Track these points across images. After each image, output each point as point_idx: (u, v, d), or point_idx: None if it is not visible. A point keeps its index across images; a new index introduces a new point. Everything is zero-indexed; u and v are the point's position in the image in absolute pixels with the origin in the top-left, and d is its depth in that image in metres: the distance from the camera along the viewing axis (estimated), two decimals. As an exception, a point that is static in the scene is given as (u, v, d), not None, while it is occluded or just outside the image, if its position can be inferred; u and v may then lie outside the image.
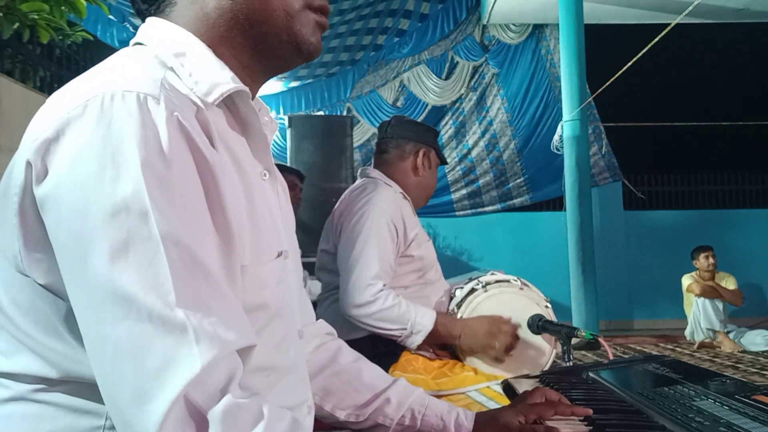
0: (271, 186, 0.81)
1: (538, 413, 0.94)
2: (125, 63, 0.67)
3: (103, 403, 0.60)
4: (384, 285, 1.65)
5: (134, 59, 0.68)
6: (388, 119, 2.00)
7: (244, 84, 0.73)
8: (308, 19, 0.76)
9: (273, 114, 7.78)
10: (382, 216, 1.72)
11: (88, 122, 0.58)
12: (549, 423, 0.91)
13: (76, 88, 0.62)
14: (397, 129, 1.93)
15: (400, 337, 1.65)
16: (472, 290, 1.79)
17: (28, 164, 0.59)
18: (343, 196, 1.90)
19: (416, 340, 1.65)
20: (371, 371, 1.03)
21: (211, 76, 0.69)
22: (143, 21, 0.77)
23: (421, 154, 1.90)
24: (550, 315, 1.72)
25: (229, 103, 0.74)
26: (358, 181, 1.92)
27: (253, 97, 0.80)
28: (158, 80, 0.63)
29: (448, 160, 8.28)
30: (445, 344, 1.79)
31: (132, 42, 0.75)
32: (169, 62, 0.69)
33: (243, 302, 0.65)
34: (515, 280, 1.80)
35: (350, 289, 1.64)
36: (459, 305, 1.78)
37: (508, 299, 1.75)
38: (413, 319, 1.64)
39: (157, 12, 0.75)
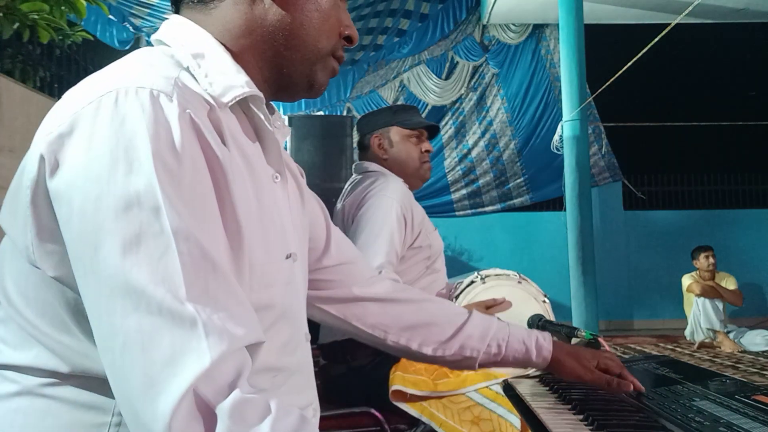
0: (282, 189, 0.81)
1: (605, 364, 1.06)
2: (140, 61, 0.68)
3: (111, 398, 0.61)
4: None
5: (149, 58, 0.69)
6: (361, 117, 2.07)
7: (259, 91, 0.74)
8: (329, 65, 0.82)
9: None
10: (393, 205, 1.72)
11: (102, 117, 0.59)
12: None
13: (90, 85, 0.63)
14: (358, 126, 2.01)
15: None
16: (471, 282, 1.80)
17: (42, 158, 0.59)
18: (346, 190, 1.90)
19: None
20: (447, 307, 1.10)
21: (227, 78, 0.71)
22: (177, 11, 0.78)
23: (375, 141, 1.94)
24: (547, 309, 1.73)
25: (244, 107, 0.75)
26: (359, 176, 1.92)
27: (267, 104, 0.81)
28: (172, 78, 0.64)
29: (448, 160, 8.28)
30: None
31: (153, 37, 0.76)
32: (185, 62, 0.70)
33: (249, 301, 0.66)
34: (514, 275, 1.81)
35: None
36: (457, 297, 1.79)
37: (506, 292, 1.75)
38: None
39: (199, 4, 0.76)
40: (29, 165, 0.61)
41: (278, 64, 0.77)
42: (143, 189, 0.56)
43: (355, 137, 2.29)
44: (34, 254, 0.62)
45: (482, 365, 1.07)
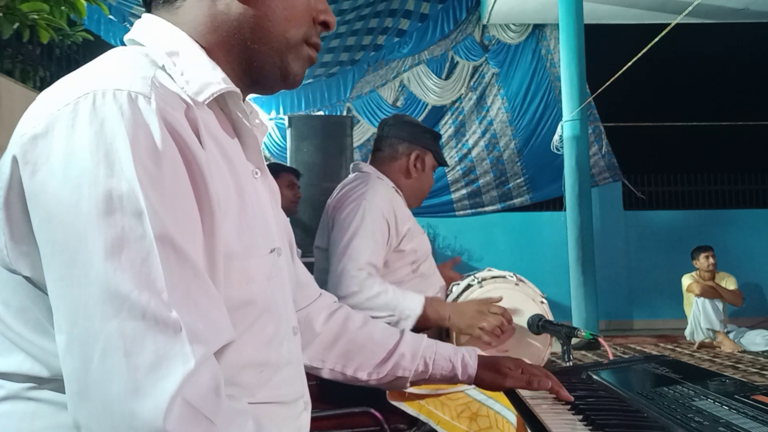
0: (262, 185, 0.82)
1: (529, 372, 1.08)
2: (116, 61, 0.67)
3: None
4: (369, 274, 1.63)
5: (125, 58, 0.68)
6: (389, 117, 1.99)
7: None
8: (303, 53, 0.79)
9: (273, 114, 7.81)
10: (375, 211, 1.70)
11: (81, 120, 0.58)
12: (548, 418, 0.92)
13: (66, 86, 0.62)
14: (393, 129, 1.91)
15: (390, 323, 1.60)
16: (468, 286, 1.80)
17: (14, 159, 0.59)
18: (335, 191, 1.89)
19: (407, 325, 1.63)
20: (379, 330, 1.11)
21: (203, 75, 0.70)
22: (149, 11, 0.77)
23: (413, 156, 1.88)
24: (545, 310, 1.72)
25: (221, 104, 0.75)
26: (351, 176, 1.90)
27: (244, 101, 0.80)
28: (148, 78, 0.63)
29: (448, 160, 8.27)
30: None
31: (126, 37, 0.76)
32: (160, 61, 0.69)
33: (230, 297, 0.66)
34: (511, 276, 1.81)
35: (336, 281, 1.63)
36: (454, 301, 1.78)
37: (504, 294, 1.75)
38: (400, 305, 1.62)
39: (165, 4, 0.75)
40: (1, 167, 0.60)
41: (248, 57, 0.76)
42: (125, 193, 0.56)
43: (356, 137, 2.26)
44: (8, 257, 0.61)
45: (413, 384, 1.10)
